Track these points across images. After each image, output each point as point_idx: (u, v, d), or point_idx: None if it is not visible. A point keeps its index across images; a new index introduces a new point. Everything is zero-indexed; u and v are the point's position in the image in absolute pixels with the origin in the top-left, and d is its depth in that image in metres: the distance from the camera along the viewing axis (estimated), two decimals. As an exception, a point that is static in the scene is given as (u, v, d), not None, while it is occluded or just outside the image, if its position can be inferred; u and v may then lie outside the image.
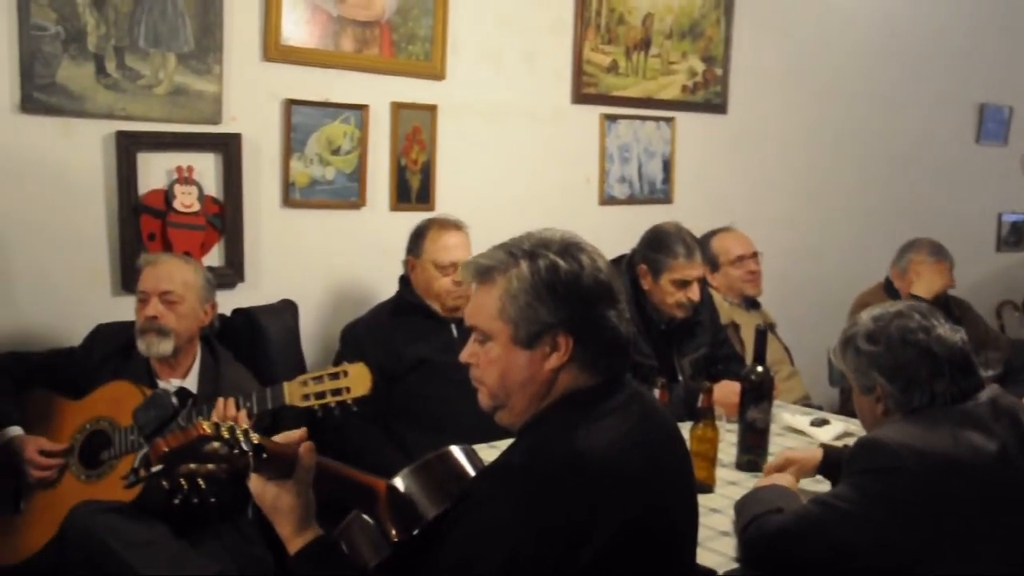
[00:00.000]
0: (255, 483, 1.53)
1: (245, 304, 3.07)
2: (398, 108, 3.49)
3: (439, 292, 3.03)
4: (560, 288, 1.49)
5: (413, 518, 1.59)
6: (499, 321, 1.51)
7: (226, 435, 1.43)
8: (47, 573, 2.41)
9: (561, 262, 1.50)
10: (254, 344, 2.93)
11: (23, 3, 2.72)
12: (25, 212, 2.83)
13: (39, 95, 2.78)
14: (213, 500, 1.50)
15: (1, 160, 2.77)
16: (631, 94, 4.16)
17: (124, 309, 2.80)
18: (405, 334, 3.01)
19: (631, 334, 1.55)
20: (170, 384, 2.62)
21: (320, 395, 2.39)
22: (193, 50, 3.02)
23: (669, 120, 4.32)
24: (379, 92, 3.45)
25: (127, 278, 2.95)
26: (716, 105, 4.46)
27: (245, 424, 2.31)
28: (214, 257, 3.14)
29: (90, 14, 2.83)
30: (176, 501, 1.47)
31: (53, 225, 2.88)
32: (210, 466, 1.44)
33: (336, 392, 2.38)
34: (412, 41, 3.48)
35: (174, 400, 1.97)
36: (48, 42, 2.77)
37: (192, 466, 1.43)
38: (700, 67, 4.36)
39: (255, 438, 1.46)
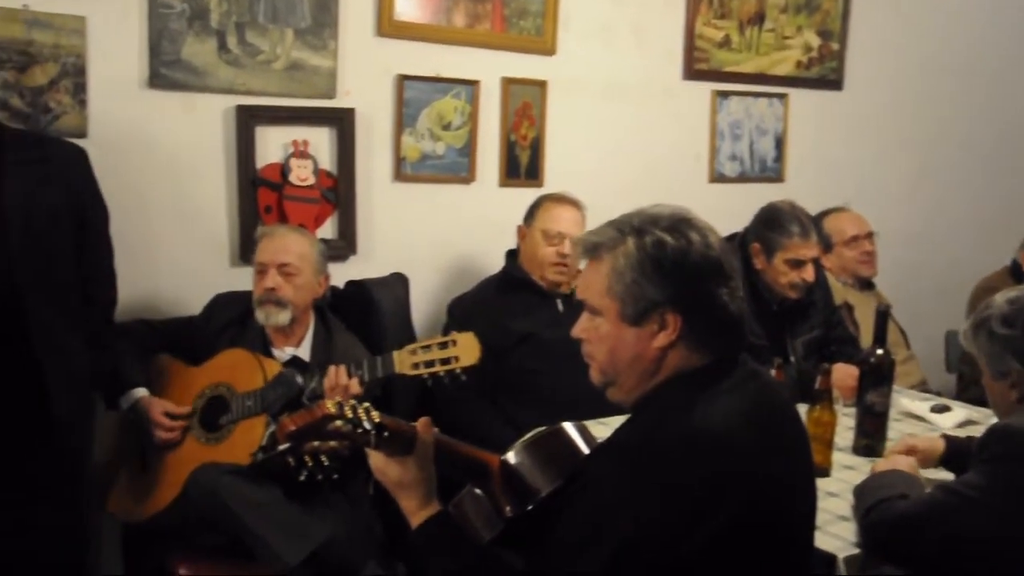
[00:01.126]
0: (376, 460, 1.55)
1: (356, 276, 3.12)
2: (508, 83, 3.49)
3: (542, 261, 3.04)
4: (667, 265, 1.46)
5: (527, 494, 1.60)
6: (607, 298, 1.49)
7: (349, 414, 1.46)
8: (171, 530, 2.52)
9: (668, 238, 1.47)
10: (366, 316, 2.98)
11: (152, -19, 2.80)
12: (151, 184, 2.93)
13: (165, 71, 2.87)
14: (336, 476, 1.52)
15: (130, 134, 2.86)
16: (743, 70, 4.06)
17: (242, 279, 2.88)
18: (511, 309, 3.02)
19: (744, 313, 1.52)
20: (284, 352, 2.68)
21: (429, 364, 2.41)
22: (310, 26, 3.07)
23: (782, 96, 4.21)
24: (490, 67, 3.45)
25: (245, 249, 3.03)
26: (831, 81, 4.32)
27: (356, 389, 2.38)
28: (328, 230, 3.20)
29: (213, -9, 2.90)
30: (301, 478, 1.50)
31: (176, 197, 2.98)
32: (332, 444, 1.48)
33: (445, 361, 2.39)
34: (523, 16, 3.47)
35: (299, 379, 2.01)
36: (174, 19, 2.86)
37: (316, 444, 1.47)
38: (816, 42, 4.23)
39: (376, 416, 1.48)
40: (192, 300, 2.96)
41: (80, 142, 2.64)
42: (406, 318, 3.13)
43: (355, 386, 2.40)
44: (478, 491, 1.64)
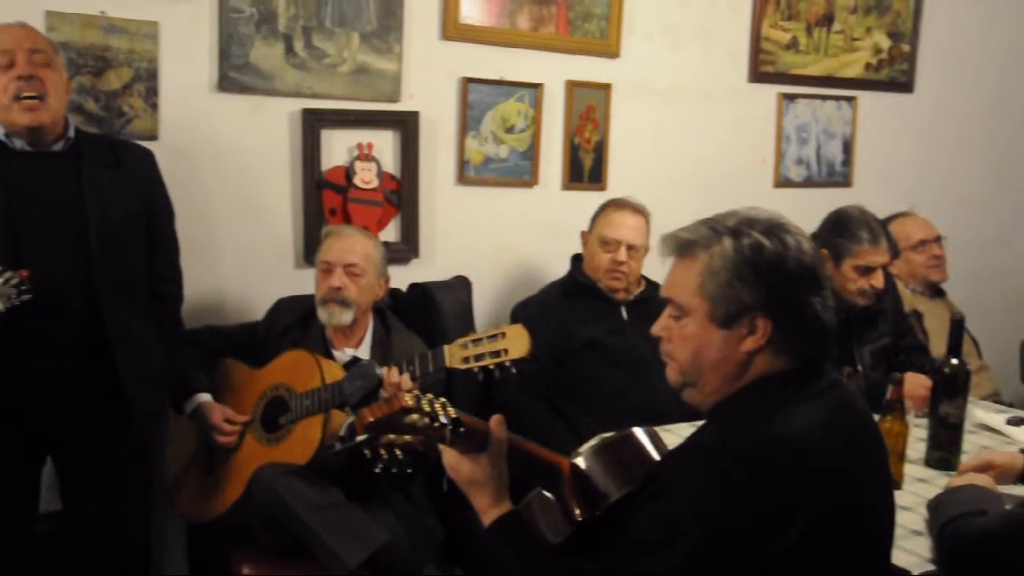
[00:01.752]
0: (450, 456, 1.55)
1: (418, 279, 3.13)
2: (573, 87, 3.47)
3: (598, 267, 3.03)
4: (763, 269, 1.43)
5: (597, 498, 1.58)
6: (697, 297, 1.47)
7: (426, 408, 1.45)
8: (234, 530, 2.55)
9: (766, 242, 1.44)
10: (429, 319, 2.98)
11: (223, -13, 2.85)
12: (218, 187, 2.97)
13: (234, 74, 2.91)
14: (410, 471, 1.52)
15: (199, 137, 2.91)
16: (811, 72, 4.00)
17: (306, 281, 2.90)
18: (575, 314, 3.00)
19: (834, 323, 1.48)
20: (344, 353, 2.70)
21: (479, 357, 2.38)
22: (375, 29, 3.09)
23: (851, 99, 4.13)
24: (554, 70, 3.44)
25: (309, 251, 3.05)
26: (902, 83, 4.23)
27: (408, 384, 2.37)
28: (390, 233, 3.22)
29: (282, -4, 2.93)
30: (377, 470, 1.51)
31: (243, 199, 3.01)
32: (407, 437, 1.47)
33: (495, 354, 2.35)
34: (588, 19, 3.45)
35: (378, 371, 2.01)
36: (243, 24, 2.89)
37: (392, 437, 1.46)
38: (886, 43, 4.15)
39: (452, 412, 1.48)
40: (257, 301, 3.00)
41: (151, 145, 2.68)
42: (468, 321, 3.12)
43: (406, 382, 2.39)
44: (547, 493, 1.63)
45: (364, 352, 2.70)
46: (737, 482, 1.33)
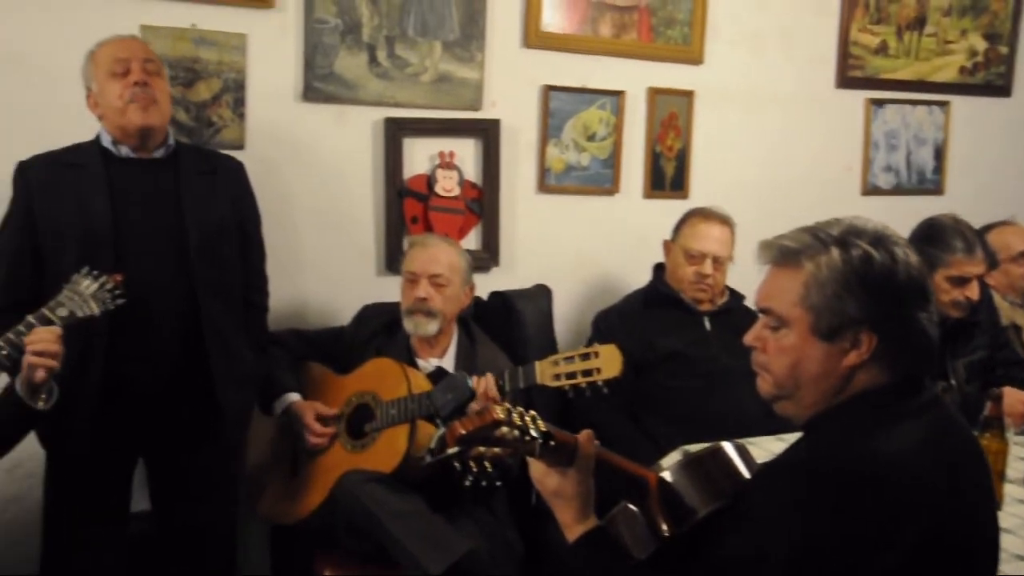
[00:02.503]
0: (537, 469, 1.53)
1: (499, 287, 3.13)
2: (655, 94, 3.44)
3: (681, 279, 2.99)
4: (871, 282, 1.38)
5: (685, 513, 1.55)
6: (799, 308, 1.42)
7: (517, 421, 1.44)
8: (317, 534, 2.57)
9: (875, 254, 1.38)
10: (509, 327, 2.98)
11: (309, -1, 2.89)
12: (302, 194, 3.01)
13: (319, 84, 2.95)
14: (499, 484, 1.51)
15: (284, 145, 2.96)
16: (901, 77, 3.89)
17: (387, 288, 2.92)
18: (657, 325, 2.97)
19: (938, 338, 1.42)
20: (428, 363, 2.70)
21: (571, 375, 2.38)
22: (458, 38, 3.10)
23: (943, 104, 4.01)
24: (636, 78, 3.41)
25: (391, 259, 3.08)
26: (998, 87, 4.09)
27: (494, 391, 2.36)
28: (471, 241, 3.22)
29: (366, 6, 2.96)
30: (467, 483, 1.50)
31: (327, 207, 3.05)
32: (497, 450, 1.46)
33: (587, 373, 2.35)
34: (671, 25, 3.41)
35: (470, 384, 2.01)
36: (328, 34, 2.93)
37: (482, 449, 1.45)
38: (982, 45, 4.01)
39: (542, 425, 1.46)
40: (339, 308, 3.03)
41: (238, 154, 2.74)
42: (549, 330, 3.11)
43: (492, 389, 2.40)
44: (632, 507, 1.60)
45: (448, 363, 2.70)
46: (832, 503, 1.28)
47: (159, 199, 2.37)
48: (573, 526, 1.52)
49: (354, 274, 3.11)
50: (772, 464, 1.45)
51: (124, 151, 2.37)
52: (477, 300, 3.03)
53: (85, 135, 2.41)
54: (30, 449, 2.37)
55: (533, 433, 1.44)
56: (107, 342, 2.28)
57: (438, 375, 2.63)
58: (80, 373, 2.26)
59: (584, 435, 1.54)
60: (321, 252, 3.06)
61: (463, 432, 1.42)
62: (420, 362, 2.70)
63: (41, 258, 2.30)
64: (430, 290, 2.64)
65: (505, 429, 1.43)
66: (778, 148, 3.72)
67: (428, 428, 2.48)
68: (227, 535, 2.64)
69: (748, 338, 1.51)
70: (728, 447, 1.65)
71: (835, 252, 1.40)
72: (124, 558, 2.49)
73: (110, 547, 2.44)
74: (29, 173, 2.33)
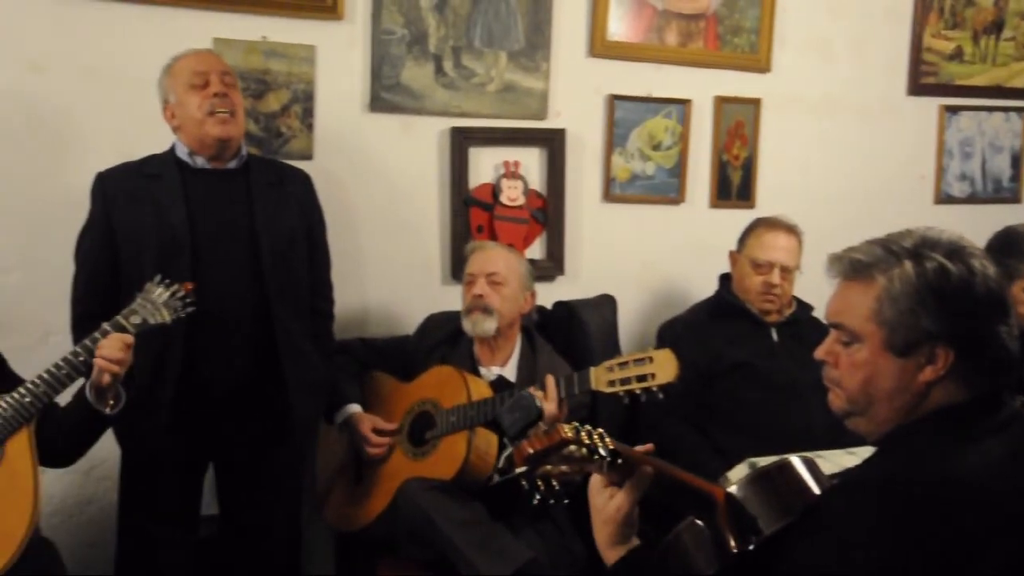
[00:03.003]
0: (595, 481, 1.51)
1: (563, 297, 3.12)
2: (721, 102, 3.41)
3: (748, 289, 2.94)
4: (948, 296, 1.33)
5: (752, 529, 1.52)
6: (871, 323, 1.38)
7: (586, 440, 1.42)
8: (381, 540, 2.59)
9: (951, 266, 1.34)
10: (574, 337, 2.97)
11: (376, 10, 2.93)
12: (369, 204, 3.04)
13: (385, 95, 2.98)
14: (567, 502, 1.50)
15: (351, 155, 2.99)
16: (977, 83, 3.80)
17: (451, 298, 2.94)
18: (724, 335, 2.93)
19: (1019, 353, 1.37)
20: (490, 371, 2.70)
21: (625, 381, 2.34)
22: (523, 48, 3.11)
23: (1021, 111, 3.90)
24: (702, 86, 3.39)
25: (456, 268, 3.09)
26: (1079, 93, 3.96)
27: (552, 392, 2.33)
28: (536, 250, 3.23)
29: (432, 17, 2.99)
30: (534, 501, 1.48)
31: (393, 216, 3.08)
32: (564, 468, 1.45)
33: (641, 378, 2.31)
34: (738, 33, 3.38)
35: (538, 404, 2.00)
36: (395, 45, 2.96)
37: (549, 468, 1.44)
38: (1062, 50, 3.90)
39: (610, 443, 1.44)
40: (404, 316, 3.06)
41: (306, 164, 2.78)
42: (613, 340, 3.10)
43: (551, 392, 2.39)
44: (699, 522, 1.58)
45: (510, 371, 2.70)
46: (908, 525, 1.24)
47: (233, 209, 2.42)
48: (609, 549, 1.49)
49: (419, 283, 3.13)
50: (846, 481, 1.41)
51: (199, 162, 2.42)
52: (542, 309, 3.03)
53: (161, 146, 2.47)
54: (104, 452, 2.44)
55: (602, 452, 1.43)
56: (183, 348, 2.33)
57: (500, 384, 2.64)
58: (157, 378, 2.32)
59: (644, 449, 1.51)
60: (386, 261, 3.09)
61: (531, 451, 1.41)
62: (482, 370, 2.71)
63: (119, 266, 2.36)
64: (486, 288, 2.65)
65: (573, 448, 1.42)
66: (848, 157, 3.65)
67: (488, 435, 2.49)
68: (293, 539, 2.68)
69: (819, 352, 1.47)
70: (797, 461, 1.61)
71: (908, 265, 1.35)
72: (192, 561, 2.54)
73: (181, 549, 2.49)
74: (108, 184, 2.39)
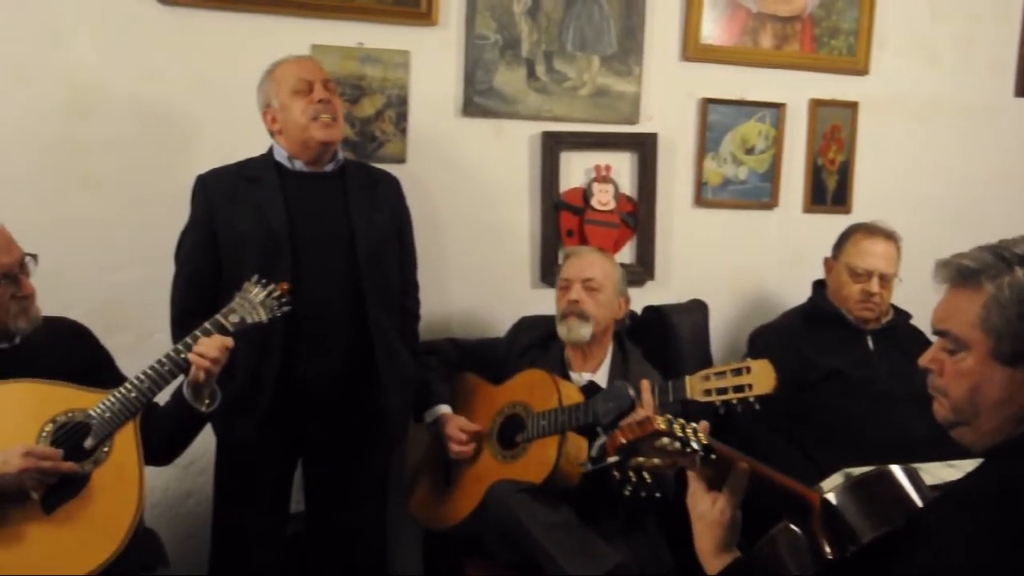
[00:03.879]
0: (694, 487, 1.51)
1: (652, 302, 3.11)
2: (817, 105, 3.35)
3: (846, 298, 2.88)
4: None
5: (849, 537, 1.49)
6: (979, 331, 1.35)
7: (679, 432, 1.42)
8: (468, 541, 2.61)
9: None
10: (664, 342, 2.95)
11: (470, 15, 2.96)
12: (461, 207, 3.08)
13: (478, 99, 3.01)
14: (658, 495, 1.50)
15: (443, 159, 3.03)
16: (1090, 84, 3.65)
17: (541, 301, 2.95)
18: (817, 343, 2.87)
19: None
20: (581, 377, 2.70)
21: (722, 390, 2.32)
22: (615, 52, 3.10)
23: None
24: (797, 89, 3.33)
25: (545, 272, 3.11)
26: None
27: (648, 397, 2.32)
28: (626, 255, 3.22)
29: (525, 22, 3.01)
30: (626, 492, 1.49)
31: (483, 220, 3.11)
32: (657, 461, 1.45)
33: (738, 388, 2.29)
34: (835, 35, 3.31)
35: (631, 393, 2.00)
36: (488, 50, 2.99)
37: (641, 460, 1.44)
38: None
39: (703, 438, 1.44)
40: (493, 320, 3.08)
41: (399, 167, 2.83)
42: (704, 346, 3.06)
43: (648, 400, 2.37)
44: (794, 527, 1.56)
45: (601, 377, 2.69)
46: (1019, 540, 1.21)
47: (330, 211, 2.48)
48: (711, 559, 1.48)
49: (509, 286, 3.15)
50: (952, 493, 1.38)
51: (298, 165, 2.48)
52: (631, 314, 3.01)
53: (258, 149, 2.54)
54: (203, 448, 2.52)
55: (694, 445, 1.42)
56: (283, 347, 2.39)
57: (591, 389, 2.63)
58: (256, 378, 2.39)
59: (736, 452, 1.50)
60: (477, 264, 3.12)
61: (623, 441, 1.41)
62: (573, 375, 2.70)
63: (220, 267, 2.42)
64: (582, 293, 2.65)
65: (666, 440, 1.42)
66: (950, 161, 3.55)
67: (578, 440, 2.48)
68: (380, 537, 2.73)
69: (924, 360, 1.44)
70: (897, 471, 1.58)
71: (1020, 273, 1.32)
72: (282, 556, 2.60)
73: (272, 544, 2.55)
74: (209, 186, 2.46)
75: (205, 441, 2.41)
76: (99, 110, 2.72)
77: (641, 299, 3.10)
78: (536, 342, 2.79)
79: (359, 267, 2.46)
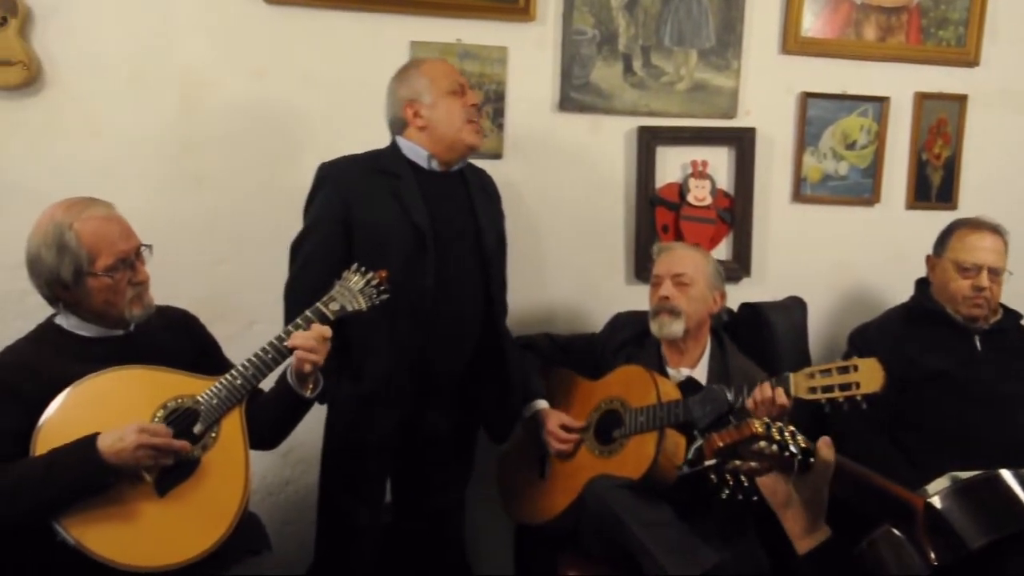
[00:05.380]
0: (767, 479, 1.49)
1: (749, 299, 3.06)
2: (922, 99, 3.25)
3: (954, 295, 2.79)
4: None
5: (955, 543, 1.46)
6: None
7: (777, 436, 1.41)
8: (562, 535, 2.62)
9: None
10: (760, 339, 2.90)
11: (567, 11, 2.96)
12: (556, 201, 3.08)
13: (575, 94, 3.01)
14: (755, 498, 1.48)
15: (539, 155, 3.04)
16: None
17: (636, 297, 2.93)
18: (921, 342, 2.80)
19: None
20: (679, 372, 2.67)
21: (827, 388, 2.29)
22: (713, 46, 3.07)
23: None
24: (901, 82, 3.25)
25: (640, 267, 3.09)
26: None
27: (783, 399, 2.29)
28: (721, 251, 3.18)
29: (623, 17, 3.00)
30: (723, 496, 1.48)
31: (579, 215, 3.10)
32: (753, 464, 1.43)
33: (845, 387, 2.25)
34: (943, 26, 3.21)
35: (729, 396, 1.99)
36: (585, 45, 2.99)
37: (738, 463, 1.43)
38: None
39: (802, 441, 1.42)
40: (588, 315, 3.08)
41: (496, 163, 2.86)
42: (802, 344, 3.01)
43: (781, 396, 2.33)
44: (896, 531, 1.52)
45: (700, 372, 2.67)
46: None
47: (459, 210, 2.52)
48: (801, 538, 1.46)
49: (604, 282, 3.14)
50: None
51: (434, 164, 2.50)
52: (728, 311, 2.97)
53: (366, 145, 2.54)
54: (302, 436, 2.55)
55: (792, 449, 1.40)
56: (421, 345, 2.44)
57: (688, 385, 2.61)
58: (396, 372, 2.43)
59: (823, 442, 1.47)
60: (572, 259, 3.12)
61: (721, 444, 1.40)
62: (671, 371, 2.68)
63: (351, 262, 2.28)
64: (672, 289, 2.63)
65: (763, 443, 1.40)
66: (1065, 157, 3.41)
67: (676, 437, 2.47)
68: (461, 526, 2.80)
69: None
70: (1008, 476, 1.54)
71: None
72: (380, 545, 2.64)
73: (375, 533, 2.60)
74: (343, 180, 2.44)
75: (304, 430, 2.44)
76: (208, 108, 2.80)
77: (737, 296, 3.06)
78: (631, 338, 2.78)
79: (485, 266, 2.52)
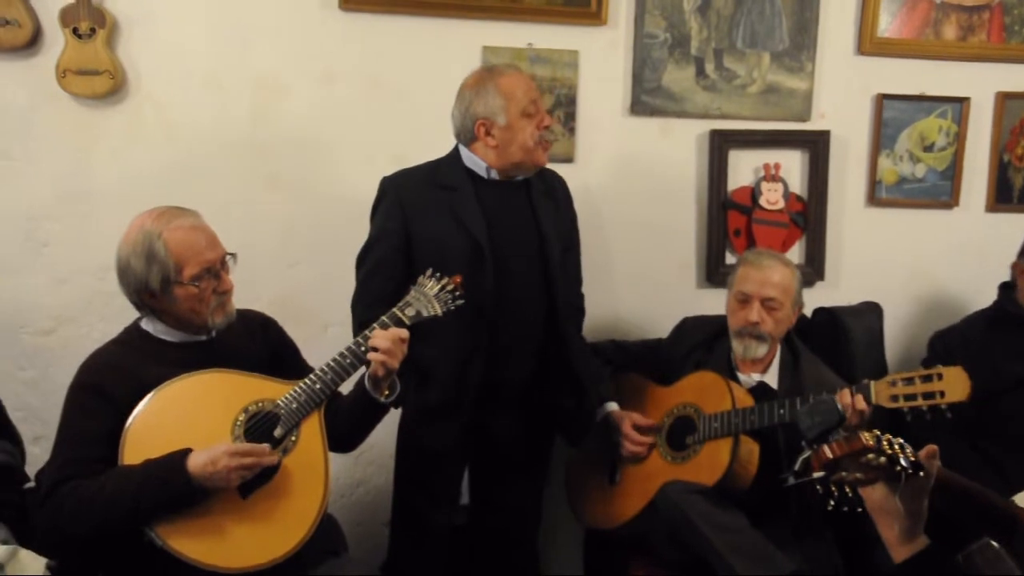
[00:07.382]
0: (871, 489, 1.47)
1: (822, 303, 3.02)
2: (1004, 99, 3.18)
3: None
4: None
5: None
6: None
7: (887, 449, 1.39)
8: (633, 540, 2.61)
9: None
10: (836, 344, 2.86)
11: (639, 14, 2.95)
12: (626, 205, 3.07)
13: (646, 98, 2.99)
14: (860, 510, 1.47)
15: (610, 158, 3.03)
16: None
17: (707, 301, 2.92)
18: (1005, 349, 2.74)
19: None
20: (751, 378, 2.64)
21: (910, 397, 2.25)
22: (787, 48, 3.03)
23: None
24: (982, 82, 3.17)
25: (711, 271, 3.07)
26: None
27: (862, 405, 2.26)
28: (794, 255, 3.14)
29: (695, 19, 2.97)
30: (830, 507, 1.47)
31: (649, 218, 3.09)
32: (860, 475, 1.42)
33: (928, 396, 2.21)
34: (1026, 24, 3.14)
35: (840, 409, 1.96)
36: (657, 48, 2.97)
37: (844, 474, 1.42)
38: None
39: (911, 454, 1.40)
40: (657, 319, 3.06)
41: (567, 167, 2.85)
42: (879, 350, 2.96)
43: (861, 403, 2.30)
44: (995, 544, 1.49)
45: (771, 378, 2.63)
46: None
47: (521, 220, 2.51)
48: (898, 546, 1.45)
49: (674, 286, 3.12)
50: None
51: (494, 175, 2.49)
52: (801, 316, 2.93)
53: (432, 153, 2.56)
54: (373, 439, 2.57)
55: (903, 462, 1.38)
56: (487, 349, 2.45)
57: (761, 391, 2.59)
58: (461, 382, 2.45)
59: (927, 451, 1.45)
60: (642, 263, 3.10)
61: (831, 457, 1.40)
62: (741, 376, 2.65)
63: (413, 275, 2.30)
64: (763, 314, 2.57)
65: (872, 456, 1.39)
66: None
67: (750, 443, 2.45)
68: (536, 528, 2.80)
69: None
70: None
71: None
72: (452, 546, 2.66)
73: (446, 535, 2.61)
74: (401, 193, 2.46)
75: (376, 433, 2.47)
76: (282, 113, 2.85)
77: (810, 300, 3.00)
78: (701, 343, 2.76)
79: (549, 274, 2.50)
